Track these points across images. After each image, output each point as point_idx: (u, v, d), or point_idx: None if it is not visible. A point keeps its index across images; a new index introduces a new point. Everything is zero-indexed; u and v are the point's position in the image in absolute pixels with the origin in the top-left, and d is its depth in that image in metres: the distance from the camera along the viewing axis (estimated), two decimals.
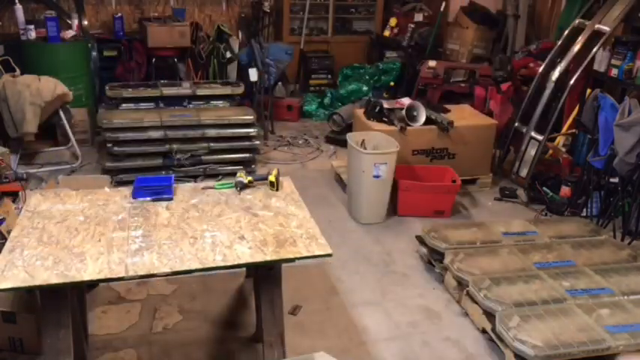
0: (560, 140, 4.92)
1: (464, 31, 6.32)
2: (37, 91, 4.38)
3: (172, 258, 2.10)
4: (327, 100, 6.39)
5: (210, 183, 2.75)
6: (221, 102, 4.91)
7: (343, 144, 4.59)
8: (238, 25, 6.57)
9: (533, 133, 4.75)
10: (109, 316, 2.94)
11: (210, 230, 2.31)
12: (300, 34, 6.74)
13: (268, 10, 6.42)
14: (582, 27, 4.71)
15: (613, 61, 4.16)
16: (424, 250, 3.51)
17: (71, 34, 5.20)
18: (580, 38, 4.67)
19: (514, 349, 2.59)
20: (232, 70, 6.12)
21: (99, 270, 2.00)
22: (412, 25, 6.51)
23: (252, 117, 4.61)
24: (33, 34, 5.00)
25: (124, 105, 4.66)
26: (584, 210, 4.20)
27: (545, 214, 4.30)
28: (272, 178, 2.70)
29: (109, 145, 4.36)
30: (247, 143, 4.67)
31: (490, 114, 5.02)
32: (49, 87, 4.46)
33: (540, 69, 4.90)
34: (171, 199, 2.55)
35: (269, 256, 2.16)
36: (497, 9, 6.59)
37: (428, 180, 4.24)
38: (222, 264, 2.11)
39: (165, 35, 5.57)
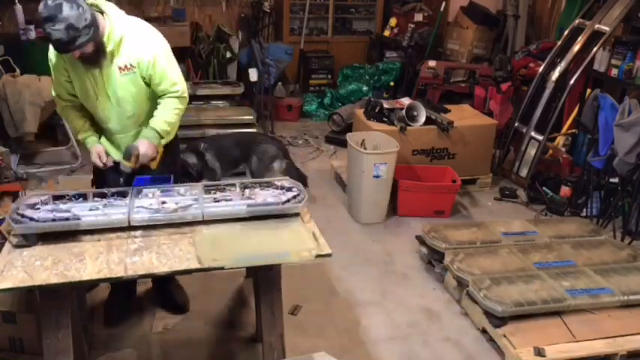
0: (560, 140, 4.91)
1: (464, 31, 6.33)
2: (37, 91, 4.38)
3: (172, 257, 2.09)
4: (327, 100, 6.39)
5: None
6: (221, 102, 4.92)
7: (343, 144, 4.60)
8: (238, 25, 6.58)
9: (533, 133, 4.75)
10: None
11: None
12: (300, 34, 6.74)
13: (268, 10, 6.42)
14: (582, 27, 4.71)
15: (613, 61, 4.16)
16: (424, 250, 3.51)
17: None
18: (580, 38, 4.67)
19: None
20: (232, 70, 6.12)
21: (98, 270, 2.00)
22: (412, 25, 6.50)
23: (252, 117, 4.63)
24: (33, 34, 5.00)
25: None
26: (584, 210, 4.19)
27: (545, 214, 4.29)
28: None
29: None
30: None
31: (490, 114, 5.01)
32: (49, 87, 4.45)
33: (540, 69, 4.89)
34: None
35: None
36: (497, 9, 6.59)
37: (428, 180, 4.24)
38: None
39: (165, 35, 5.55)
